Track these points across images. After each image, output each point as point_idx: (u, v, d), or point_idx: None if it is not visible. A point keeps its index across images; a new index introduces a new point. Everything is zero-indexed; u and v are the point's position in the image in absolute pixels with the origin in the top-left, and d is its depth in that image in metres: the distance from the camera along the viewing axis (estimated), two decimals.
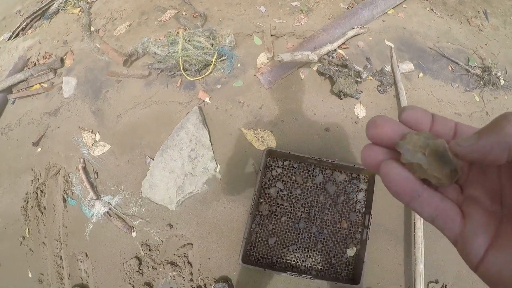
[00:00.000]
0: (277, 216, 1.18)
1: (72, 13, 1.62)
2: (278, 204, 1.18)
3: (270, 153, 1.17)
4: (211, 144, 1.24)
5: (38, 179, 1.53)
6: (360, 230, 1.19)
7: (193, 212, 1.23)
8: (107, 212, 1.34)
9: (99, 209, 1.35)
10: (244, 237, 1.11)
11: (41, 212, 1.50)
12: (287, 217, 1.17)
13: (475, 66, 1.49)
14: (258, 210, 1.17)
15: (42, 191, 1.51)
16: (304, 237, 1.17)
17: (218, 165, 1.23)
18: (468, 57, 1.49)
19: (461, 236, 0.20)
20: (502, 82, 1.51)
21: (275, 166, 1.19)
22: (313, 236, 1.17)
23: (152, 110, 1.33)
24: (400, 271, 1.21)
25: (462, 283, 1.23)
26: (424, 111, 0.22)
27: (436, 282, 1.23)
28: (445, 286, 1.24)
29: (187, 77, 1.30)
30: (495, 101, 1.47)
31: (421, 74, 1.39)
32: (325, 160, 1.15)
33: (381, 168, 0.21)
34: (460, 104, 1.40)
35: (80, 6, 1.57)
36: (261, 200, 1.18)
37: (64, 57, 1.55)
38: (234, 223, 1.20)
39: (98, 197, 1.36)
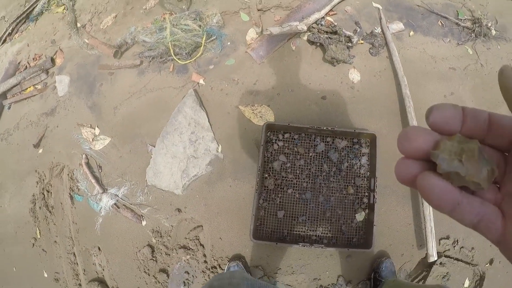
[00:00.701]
0: (283, 189, 1.17)
1: (57, 12, 1.59)
2: (283, 177, 1.17)
3: (269, 127, 1.16)
4: (210, 125, 1.22)
5: (43, 180, 1.52)
6: (367, 194, 1.18)
7: (199, 195, 1.23)
8: (115, 204, 1.33)
9: (106, 202, 1.34)
10: (252, 214, 1.10)
11: (50, 212, 1.49)
12: (293, 189, 1.17)
13: (465, 19, 1.46)
14: (263, 185, 1.16)
15: (48, 191, 1.51)
16: (312, 207, 1.16)
17: (220, 145, 1.21)
18: (457, 11, 1.46)
19: (503, 237, 0.19)
20: (493, 32, 1.48)
21: (276, 140, 1.18)
22: (321, 205, 1.16)
23: (148, 98, 1.31)
24: (411, 231, 1.21)
25: (473, 238, 1.23)
26: (452, 107, 0.20)
27: (448, 238, 1.23)
28: (457, 241, 1.24)
29: (178, 61, 1.28)
30: (489, 52, 1.44)
31: (411, 33, 1.36)
32: (324, 128, 1.13)
33: (418, 182, 0.19)
34: (453, 59, 1.37)
35: (64, 4, 1.54)
36: (266, 175, 1.17)
37: (54, 56, 1.53)
38: (241, 201, 1.19)
39: (104, 190, 1.35)
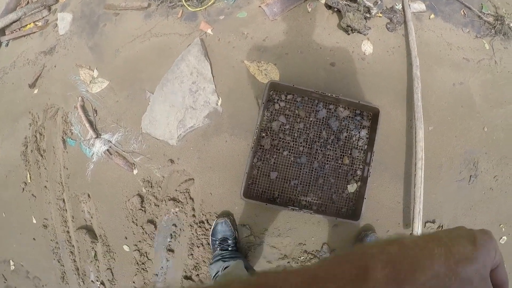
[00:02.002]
0: (279, 150, 1.13)
1: None
2: (280, 138, 1.13)
3: (273, 86, 1.10)
4: (213, 77, 1.16)
5: (37, 122, 1.46)
6: (361, 167, 1.15)
7: (194, 147, 1.18)
8: (107, 150, 1.28)
9: (99, 147, 1.29)
10: (245, 171, 1.06)
11: (41, 156, 1.44)
12: (289, 152, 1.13)
13: (488, 14, 1.40)
14: (260, 144, 1.12)
15: (41, 134, 1.45)
16: (306, 172, 1.13)
17: (220, 98, 1.16)
18: (482, 4, 1.39)
19: None
20: None
21: (278, 100, 1.13)
22: (315, 171, 1.13)
23: (152, 43, 1.24)
24: (399, 209, 1.19)
25: (457, 225, 1.22)
26: None
27: (433, 222, 1.22)
28: (442, 226, 1.23)
29: (188, 7, 1.20)
30: (505, 51, 1.39)
31: (432, 16, 1.29)
32: (329, 95, 1.08)
33: None
34: (469, 50, 1.32)
35: None
36: (263, 134, 1.12)
37: None
38: (235, 158, 1.15)
39: (98, 135, 1.29)
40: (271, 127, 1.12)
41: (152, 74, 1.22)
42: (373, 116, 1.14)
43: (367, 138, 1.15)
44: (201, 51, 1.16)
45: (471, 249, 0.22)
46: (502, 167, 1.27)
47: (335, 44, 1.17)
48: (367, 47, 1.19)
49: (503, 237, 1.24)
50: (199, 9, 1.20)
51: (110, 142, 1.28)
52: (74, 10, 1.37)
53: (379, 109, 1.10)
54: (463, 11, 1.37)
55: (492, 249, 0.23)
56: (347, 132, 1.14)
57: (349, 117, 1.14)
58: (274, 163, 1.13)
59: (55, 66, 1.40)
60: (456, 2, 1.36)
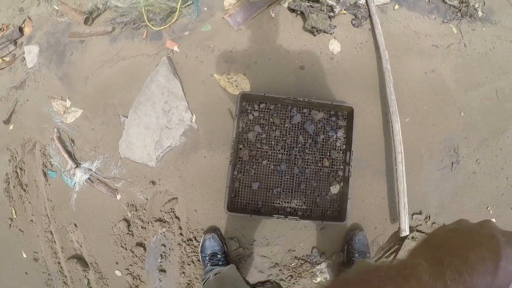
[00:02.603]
0: (258, 160, 1.11)
1: None
2: (257, 148, 1.11)
3: (244, 97, 1.09)
4: (184, 94, 1.14)
5: (16, 157, 1.43)
6: (342, 167, 1.14)
7: (174, 166, 1.16)
8: (89, 178, 1.26)
9: (80, 177, 1.27)
10: (227, 185, 1.05)
11: (24, 190, 1.41)
12: (268, 160, 1.11)
13: None
14: (238, 157, 1.11)
15: (21, 169, 1.42)
16: (287, 178, 1.11)
17: (194, 115, 1.14)
18: None
19: None
20: (480, 13, 1.42)
21: (251, 110, 1.11)
22: (296, 177, 1.12)
23: (120, 67, 1.22)
24: (385, 205, 1.18)
25: (444, 214, 1.22)
26: None
27: (420, 213, 1.21)
28: (429, 216, 1.22)
29: (152, 27, 1.18)
30: (473, 33, 1.38)
31: (396, 6, 1.28)
32: (301, 99, 1.07)
33: None
34: (437, 36, 1.31)
35: None
36: (241, 146, 1.11)
37: (23, 25, 1.40)
38: (216, 172, 1.14)
39: (78, 165, 1.27)
40: (247, 138, 1.11)
41: (124, 98, 1.20)
42: (348, 115, 1.13)
43: (344, 138, 1.14)
44: (169, 69, 1.14)
45: None
46: (483, 150, 1.26)
47: (302, 47, 1.16)
48: (334, 46, 1.18)
49: (492, 219, 1.23)
50: (163, 27, 1.18)
51: (91, 170, 1.26)
52: (40, 41, 1.35)
53: (352, 108, 1.09)
54: None
55: None
56: (324, 134, 1.12)
57: (324, 118, 1.13)
58: (254, 173, 1.11)
59: (27, 100, 1.37)
60: None
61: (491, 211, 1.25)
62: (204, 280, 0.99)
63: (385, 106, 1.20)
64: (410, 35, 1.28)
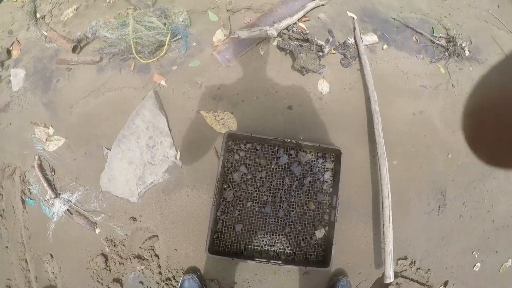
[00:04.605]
0: (242, 201, 1.05)
1: (16, 1, 1.40)
2: (242, 189, 1.06)
3: (231, 136, 1.04)
4: (170, 130, 1.09)
5: None
6: (328, 211, 1.08)
7: (156, 203, 1.10)
8: (68, 210, 1.18)
9: (59, 207, 1.19)
10: (209, 227, 0.99)
11: (1, 216, 1.32)
12: (253, 202, 1.06)
13: (440, 37, 1.38)
14: (222, 197, 1.05)
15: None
16: (272, 221, 1.06)
17: (178, 152, 1.08)
18: (432, 28, 1.37)
19: None
20: (467, 53, 1.41)
21: (237, 150, 1.06)
22: (281, 220, 1.06)
23: (106, 98, 1.16)
24: (370, 250, 1.13)
25: (430, 259, 1.17)
26: None
27: (405, 258, 1.16)
28: (414, 262, 1.17)
29: (140, 60, 1.13)
30: (460, 72, 1.37)
31: (385, 46, 1.26)
32: (288, 140, 1.02)
33: None
34: (425, 76, 1.29)
35: None
36: (225, 186, 1.05)
37: (11, 48, 1.34)
38: (198, 212, 1.07)
39: (57, 195, 1.20)
40: (232, 178, 1.05)
41: (108, 130, 1.14)
42: (336, 157, 1.09)
43: (331, 180, 1.09)
44: (155, 104, 1.09)
45: None
46: (470, 192, 1.23)
47: (291, 86, 1.12)
48: (323, 86, 1.14)
49: (476, 264, 1.19)
50: (151, 60, 1.13)
51: (70, 201, 1.18)
52: (27, 65, 1.29)
53: (340, 150, 1.05)
54: (415, 37, 1.35)
55: None
56: (310, 177, 1.08)
57: (312, 160, 1.08)
58: (238, 215, 1.05)
59: (10, 124, 1.30)
60: (407, 29, 1.34)
61: (476, 256, 1.20)
62: None
63: (373, 148, 1.16)
64: (398, 75, 1.25)
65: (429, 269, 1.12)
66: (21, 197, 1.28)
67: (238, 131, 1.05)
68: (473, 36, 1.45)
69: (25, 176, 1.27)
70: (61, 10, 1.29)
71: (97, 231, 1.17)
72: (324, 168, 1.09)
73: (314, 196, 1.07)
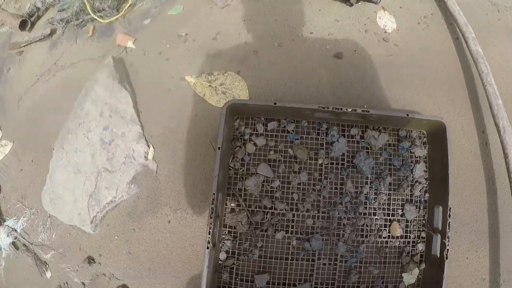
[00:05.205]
0: (266, 231, 0.40)
1: None
2: (265, 207, 0.40)
3: (237, 110, 0.40)
4: (138, 114, 0.47)
5: None
6: (423, 235, 0.40)
7: (120, 235, 0.46)
8: (13, 242, 0.58)
9: (3, 239, 0.58)
10: (205, 284, 0.34)
11: None
12: (286, 231, 0.39)
13: None
14: (227, 225, 0.40)
15: None
16: (323, 264, 0.39)
17: (151, 147, 0.46)
18: None
19: None
20: None
21: (250, 135, 0.42)
22: (341, 261, 0.39)
23: (57, 80, 0.57)
24: None
25: None
26: None
27: None
28: None
29: (100, 19, 0.55)
30: None
31: None
32: (348, 110, 0.37)
33: None
34: None
35: None
36: (232, 204, 0.40)
37: None
38: (188, 249, 0.43)
39: (1, 222, 0.60)
40: (245, 189, 0.41)
41: (58, 124, 0.54)
42: (433, 136, 0.42)
43: (426, 179, 0.41)
44: (113, 75, 0.48)
45: None
46: None
47: (333, 23, 0.47)
48: (386, 21, 0.49)
49: None
50: (114, 17, 0.54)
51: (15, 231, 0.58)
52: None
53: (444, 124, 0.38)
54: None
55: None
56: (391, 176, 0.41)
57: (390, 144, 0.42)
58: (260, 256, 0.39)
59: None
60: None
61: None
62: None
63: (480, 118, 0.48)
64: (486, 6, 0.58)
65: None
66: None
67: (250, 101, 0.42)
68: None
69: None
70: None
71: (48, 275, 0.56)
72: (413, 157, 0.42)
73: (400, 211, 0.40)
